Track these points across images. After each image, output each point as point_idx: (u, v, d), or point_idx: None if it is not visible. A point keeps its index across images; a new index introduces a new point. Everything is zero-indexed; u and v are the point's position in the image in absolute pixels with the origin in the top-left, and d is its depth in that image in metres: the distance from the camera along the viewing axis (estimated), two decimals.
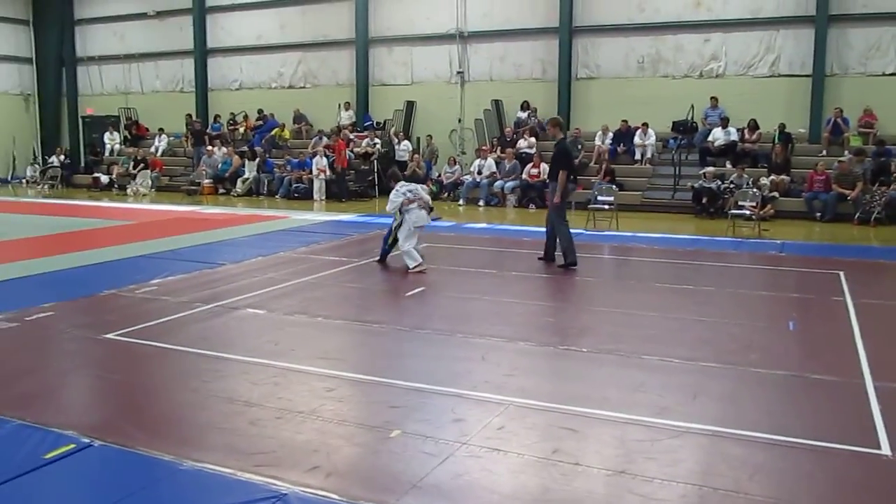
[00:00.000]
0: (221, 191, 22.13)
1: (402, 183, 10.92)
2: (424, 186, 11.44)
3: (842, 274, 9.95)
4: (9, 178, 27.07)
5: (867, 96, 17.91)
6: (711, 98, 19.14)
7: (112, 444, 4.60)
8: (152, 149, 25.32)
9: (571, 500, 3.99)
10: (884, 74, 18.02)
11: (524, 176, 18.88)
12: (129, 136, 26.78)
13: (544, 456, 4.49)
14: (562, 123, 11.54)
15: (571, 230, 10.77)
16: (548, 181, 11.44)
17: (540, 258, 10.89)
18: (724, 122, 18.55)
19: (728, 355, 6.49)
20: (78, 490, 4.16)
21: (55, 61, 28.54)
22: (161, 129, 25.83)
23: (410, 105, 22.60)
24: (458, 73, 22.15)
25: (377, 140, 21.71)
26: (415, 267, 10.13)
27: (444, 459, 4.43)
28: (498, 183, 19.20)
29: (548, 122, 11.76)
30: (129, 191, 23.04)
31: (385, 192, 20.98)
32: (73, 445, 4.54)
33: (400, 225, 10.50)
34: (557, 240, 10.65)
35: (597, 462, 4.41)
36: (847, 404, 5.42)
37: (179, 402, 5.49)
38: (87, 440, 4.63)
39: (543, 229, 11.08)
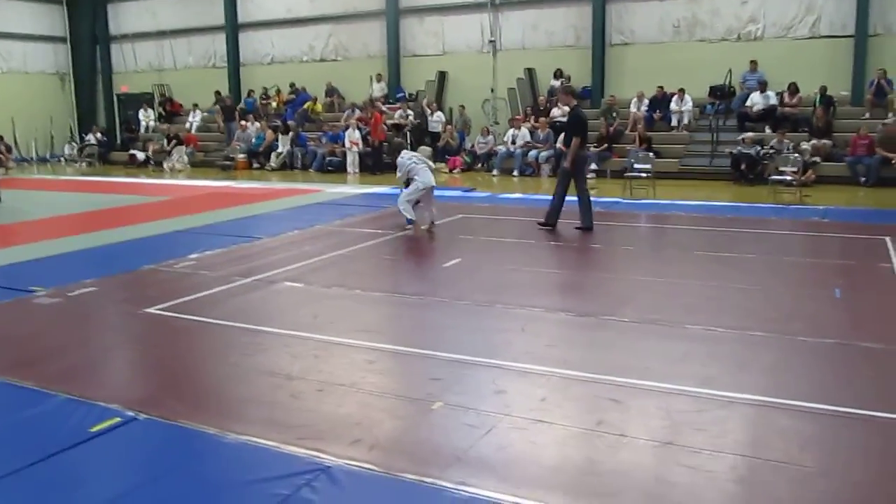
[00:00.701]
0: (255, 165, 22.22)
1: (406, 152, 11.69)
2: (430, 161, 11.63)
3: (888, 239, 9.69)
4: (48, 156, 27.44)
5: None
6: (750, 62, 18.67)
7: (156, 417, 4.63)
8: (186, 125, 25.47)
9: (619, 472, 3.93)
10: None
11: (558, 145, 18.64)
12: (163, 113, 26.95)
13: (589, 427, 4.44)
14: (575, 91, 12.08)
15: (609, 199, 10.66)
16: (563, 148, 11.71)
17: (541, 224, 10.96)
18: (763, 86, 18.11)
19: (773, 324, 6.36)
20: (124, 463, 4.20)
21: (89, 40, 28.74)
22: (195, 105, 25.94)
23: (442, 75, 22.41)
24: (490, 41, 21.85)
25: (409, 112, 21.59)
26: (414, 226, 10.85)
27: (488, 431, 4.39)
28: (532, 153, 19.02)
29: (559, 91, 11.86)
30: (164, 167, 23.22)
31: None
32: (118, 419, 4.58)
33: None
34: (577, 203, 10.88)
35: (643, 433, 4.34)
36: None
37: (220, 376, 5.52)
38: (131, 413, 4.66)
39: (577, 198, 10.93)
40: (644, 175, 14.97)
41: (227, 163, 22.39)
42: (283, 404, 4.87)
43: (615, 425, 4.45)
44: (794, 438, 4.27)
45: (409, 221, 11.01)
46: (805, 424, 4.47)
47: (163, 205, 15.21)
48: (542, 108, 20.31)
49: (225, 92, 25.47)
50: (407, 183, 11.21)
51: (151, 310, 7.10)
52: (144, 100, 27.29)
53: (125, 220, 12.95)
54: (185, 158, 23.48)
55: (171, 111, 26.98)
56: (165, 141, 24.14)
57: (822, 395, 4.85)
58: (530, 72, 21.13)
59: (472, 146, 20.73)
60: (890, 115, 16.39)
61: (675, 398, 4.84)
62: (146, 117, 26.76)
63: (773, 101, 17.95)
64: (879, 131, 15.84)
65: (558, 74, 20.80)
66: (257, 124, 23.17)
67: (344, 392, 5.03)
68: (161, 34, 27.40)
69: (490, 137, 20.35)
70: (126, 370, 5.78)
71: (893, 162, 15.31)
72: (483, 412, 4.65)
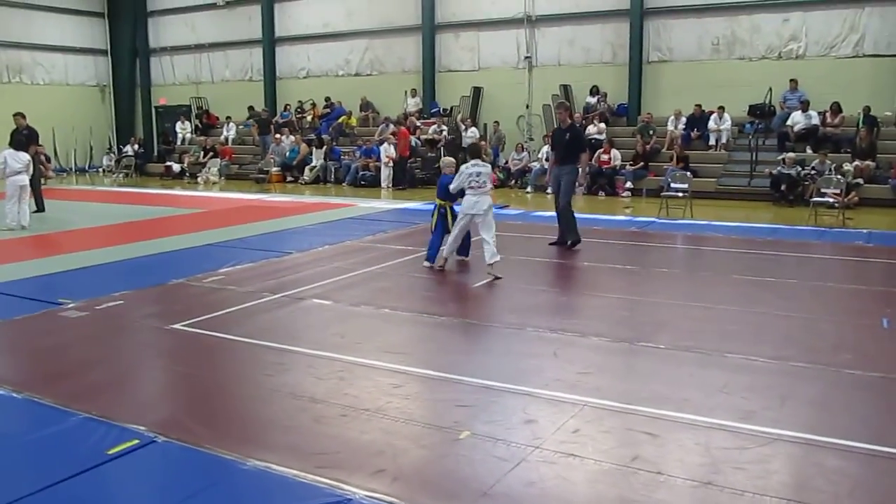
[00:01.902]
0: (289, 179, 22.28)
1: (470, 164, 9.26)
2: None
3: None
4: (86, 167, 27.80)
5: None
6: (791, 80, 18.31)
7: (175, 440, 4.50)
8: (221, 137, 25.65)
9: None
10: None
11: (593, 162, 18.44)
12: (199, 125, 27.20)
13: (623, 463, 4.22)
14: (569, 107, 11.87)
15: (644, 218, 10.47)
16: (555, 164, 11.34)
17: (552, 244, 11.02)
18: (805, 106, 17.71)
19: (817, 354, 6.08)
20: (139, 489, 4.07)
21: (129, 52, 29.18)
22: (229, 118, 26.13)
23: (477, 91, 22.31)
24: (526, 57, 21.75)
25: (444, 127, 21.51)
26: (437, 262, 9.42)
27: (516, 465, 4.20)
28: None
29: (557, 108, 11.81)
30: (199, 179, 23.39)
31: None
32: (136, 441, 4.46)
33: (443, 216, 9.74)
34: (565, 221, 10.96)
35: (680, 471, 4.12)
36: None
37: (243, 397, 5.39)
38: (150, 435, 4.55)
39: (614, 218, 10.79)
40: (681, 194, 14.69)
41: (261, 176, 22.47)
42: (305, 429, 4.73)
43: (651, 461, 4.23)
44: (841, 481, 4.01)
45: (431, 258, 9.56)
46: (853, 466, 4.22)
47: (196, 217, 15.24)
48: (577, 125, 20.06)
49: (261, 105, 25.65)
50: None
51: (177, 325, 7.02)
52: (182, 112, 27.58)
53: (158, 232, 12.98)
54: (219, 171, 23.61)
55: (208, 123, 27.22)
56: (201, 153, 24.33)
57: (870, 433, 4.58)
58: (566, 88, 20.94)
59: (507, 162, 20.57)
60: None
61: (715, 433, 4.61)
62: (183, 129, 27.02)
63: (815, 120, 17.55)
64: None
65: (594, 91, 20.60)
66: (292, 138, 23.25)
67: (368, 417, 4.87)
68: (199, 47, 27.71)
69: (524, 154, 20.20)
70: (148, 389, 5.68)
71: None
72: (512, 443, 4.46)
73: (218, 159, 23.96)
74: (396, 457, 4.32)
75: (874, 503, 3.83)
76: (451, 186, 9.36)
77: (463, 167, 9.29)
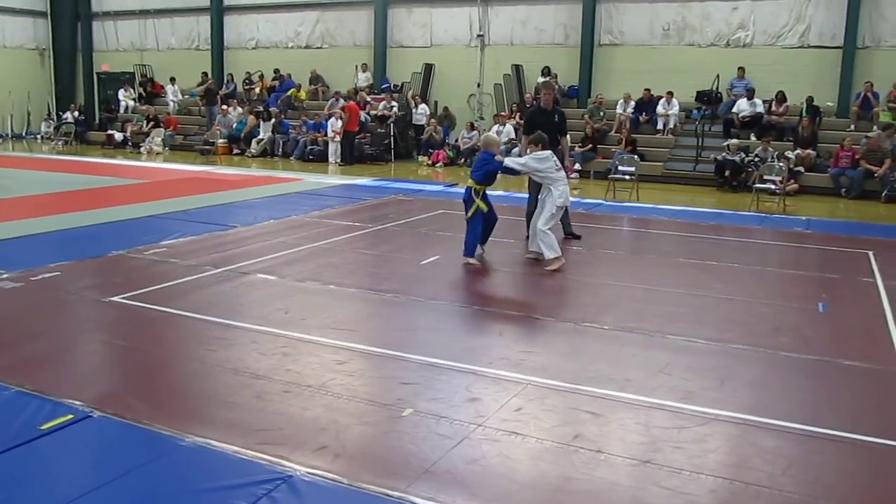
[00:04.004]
0: (236, 151, 21.87)
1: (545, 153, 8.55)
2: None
3: (871, 254, 9.60)
4: (24, 133, 26.88)
5: None
6: (738, 68, 18.58)
7: (112, 415, 4.40)
8: (168, 103, 24.96)
9: (594, 492, 3.75)
10: None
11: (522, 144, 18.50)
12: (143, 94, 26.47)
13: (565, 442, 4.25)
14: (554, 88, 10.65)
15: (591, 200, 10.43)
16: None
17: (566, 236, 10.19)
18: (751, 94, 18.01)
19: (756, 337, 6.22)
20: (74, 465, 3.96)
21: (70, 15, 28.12)
22: (172, 79, 25.35)
23: (429, 68, 22.15)
24: (479, 36, 21.65)
25: (394, 103, 21.34)
26: (553, 261, 8.40)
27: (459, 442, 4.20)
28: (516, 150, 18.80)
29: (543, 88, 10.64)
30: (142, 149, 22.82)
31: (401, 156, 20.86)
32: (70, 416, 4.34)
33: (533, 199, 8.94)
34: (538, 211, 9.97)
35: (620, 450, 4.17)
36: (884, 394, 5.15)
37: (183, 372, 5.29)
38: (86, 410, 4.43)
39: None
40: (628, 177, 14.84)
41: (207, 147, 22.01)
42: (246, 405, 4.65)
43: (592, 440, 4.28)
44: (777, 461, 4.11)
45: (557, 257, 8.45)
46: (788, 445, 4.32)
47: (138, 188, 14.89)
48: (528, 105, 20.10)
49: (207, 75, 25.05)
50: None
51: (117, 298, 6.85)
52: (125, 79, 26.76)
53: (98, 202, 12.64)
54: (163, 141, 23.06)
55: (152, 92, 26.49)
56: (145, 122, 23.73)
57: (805, 414, 4.70)
58: (517, 68, 20.93)
59: (456, 141, 20.52)
60: (874, 127, 16.35)
61: (655, 413, 4.67)
62: (126, 97, 26.24)
63: (760, 108, 17.87)
64: (863, 144, 15.79)
65: (546, 72, 20.62)
66: (239, 109, 22.82)
67: (311, 394, 4.82)
68: (144, 13, 26.87)
69: (475, 132, 20.14)
70: (85, 363, 5.51)
71: (876, 175, 15.26)
72: (455, 421, 4.46)
73: (162, 129, 23.38)
74: (339, 433, 4.29)
75: (807, 481, 3.93)
76: (519, 165, 8.57)
77: (537, 154, 8.51)
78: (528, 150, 8.82)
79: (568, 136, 10.42)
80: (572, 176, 17.76)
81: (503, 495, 3.70)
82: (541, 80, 20.51)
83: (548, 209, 8.55)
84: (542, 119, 9.98)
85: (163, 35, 26.93)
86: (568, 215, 10.08)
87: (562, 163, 9.12)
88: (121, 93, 26.35)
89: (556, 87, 20.26)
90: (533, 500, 3.69)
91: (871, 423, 4.60)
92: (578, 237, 10.22)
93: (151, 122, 23.46)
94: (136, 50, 27.38)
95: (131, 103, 26.10)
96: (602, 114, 19.26)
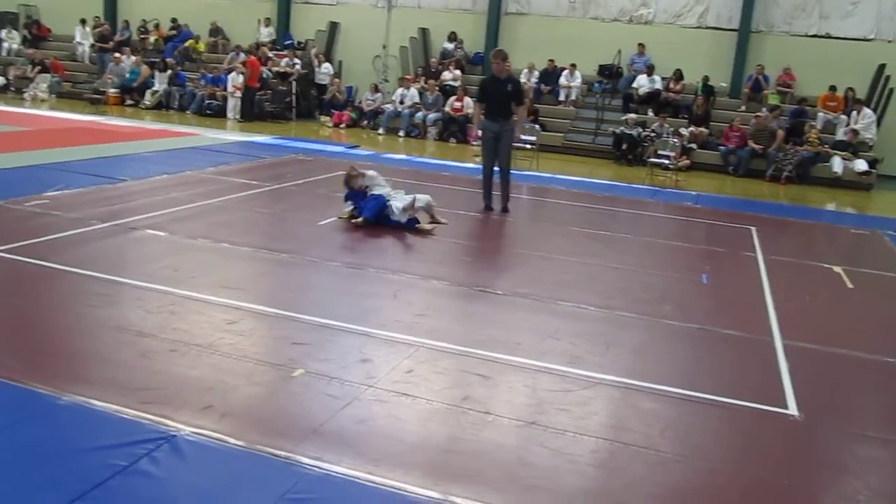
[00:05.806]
0: (128, 102, 20.92)
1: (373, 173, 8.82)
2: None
3: (753, 230, 10.07)
4: None
5: (788, 56, 18.14)
6: (639, 45, 19.03)
7: None
8: (75, 43, 23.51)
9: (480, 452, 3.82)
10: (806, 35, 18.27)
11: (447, 109, 18.51)
12: (28, 37, 24.92)
13: (454, 403, 4.31)
14: (506, 56, 10.47)
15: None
16: (488, 119, 9.99)
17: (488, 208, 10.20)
18: (650, 70, 18.50)
19: (641, 305, 6.44)
20: None
21: None
22: (83, 20, 23.81)
23: (334, 26, 21.72)
24: None
25: (297, 60, 20.86)
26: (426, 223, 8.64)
27: (348, 403, 4.19)
28: (419, 114, 18.76)
29: (495, 56, 10.34)
30: (26, 95, 21.53)
31: (302, 115, 20.46)
32: None
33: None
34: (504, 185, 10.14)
35: (507, 412, 4.26)
36: (756, 362, 5.42)
37: (63, 329, 5.07)
38: None
39: (463, 165, 10.73)
40: (528, 146, 15.01)
41: (97, 96, 20.92)
42: (129, 364, 4.50)
43: (481, 402, 4.35)
44: (655, 423, 4.28)
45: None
46: (666, 408, 4.51)
47: (20, 136, 14.08)
48: (433, 70, 20.05)
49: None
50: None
51: None
52: (7, 20, 25.09)
53: None
54: (50, 88, 21.84)
55: (38, 35, 24.95)
56: (30, 67, 22.39)
57: (682, 379, 4.91)
58: (424, 32, 20.80)
59: (360, 102, 20.27)
60: (763, 109, 17.07)
61: (543, 376, 4.79)
62: (10, 39, 24.65)
63: (659, 85, 18.37)
64: (752, 124, 16.48)
65: (452, 37, 20.57)
66: (133, 58, 21.80)
67: (198, 353, 4.71)
68: None
69: (378, 95, 19.94)
70: None
71: (762, 151, 15.96)
72: (346, 382, 4.44)
73: (48, 75, 22.11)
74: (226, 393, 4.21)
75: (680, 441, 4.12)
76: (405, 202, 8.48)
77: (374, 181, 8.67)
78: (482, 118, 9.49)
79: (526, 104, 10.31)
80: (474, 143, 17.85)
81: (391, 455, 3.72)
82: (447, 45, 20.53)
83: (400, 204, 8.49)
84: (495, 88, 9.92)
85: None
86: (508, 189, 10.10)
87: (516, 131, 9.82)
88: (3, 33, 24.71)
89: (462, 53, 20.33)
90: (420, 459, 3.73)
91: (742, 389, 4.85)
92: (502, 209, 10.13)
93: (38, 67, 22.15)
94: None
95: (15, 46, 24.53)
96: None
